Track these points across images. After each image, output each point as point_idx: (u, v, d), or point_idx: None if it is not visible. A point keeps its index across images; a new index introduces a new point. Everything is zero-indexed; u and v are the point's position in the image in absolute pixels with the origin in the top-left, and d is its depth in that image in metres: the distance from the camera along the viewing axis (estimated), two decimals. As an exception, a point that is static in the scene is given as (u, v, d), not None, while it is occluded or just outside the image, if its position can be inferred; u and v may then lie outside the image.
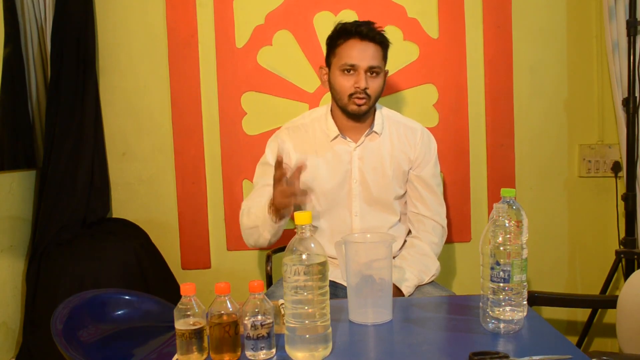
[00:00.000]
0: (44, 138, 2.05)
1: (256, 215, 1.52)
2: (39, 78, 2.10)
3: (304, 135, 1.67)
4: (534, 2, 2.18)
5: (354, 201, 1.64)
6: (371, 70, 1.55)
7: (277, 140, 1.68)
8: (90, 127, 2.09)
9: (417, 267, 1.57)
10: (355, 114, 1.59)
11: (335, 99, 1.61)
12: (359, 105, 1.56)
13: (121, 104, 2.21)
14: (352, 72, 1.55)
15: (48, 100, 2.04)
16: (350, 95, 1.56)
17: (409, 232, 1.72)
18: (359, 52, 1.54)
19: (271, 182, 1.40)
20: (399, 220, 1.70)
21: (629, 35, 1.97)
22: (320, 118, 1.68)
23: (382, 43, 1.58)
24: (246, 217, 1.57)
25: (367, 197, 1.65)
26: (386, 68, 1.63)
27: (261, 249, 2.07)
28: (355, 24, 1.56)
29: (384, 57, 1.60)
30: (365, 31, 1.54)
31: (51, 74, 2.02)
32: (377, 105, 1.68)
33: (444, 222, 1.69)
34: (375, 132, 1.64)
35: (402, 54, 2.15)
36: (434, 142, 1.71)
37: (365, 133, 1.64)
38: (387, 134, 1.66)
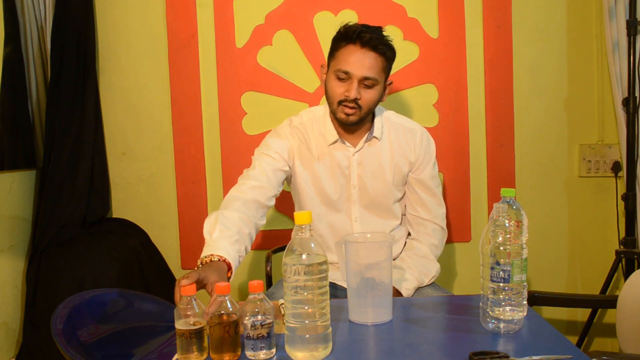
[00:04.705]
0: (44, 138, 2.05)
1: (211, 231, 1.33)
2: (39, 78, 2.10)
3: (304, 137, 1.61)
4: (534, 2, 2.18)
5: (353, 207, 1.62)
6: (366, 81, 1.47)
7: (283, 136, 1.60)
8: (90, 127, 2.09)
9: (416, 269, 1.55)
10: (343, 123, 1.53)
11: (327, 102, 1.56)
12: (347, 115, 1.49)
13: (121, 104, 2.21)
14: (345, 79, 1.47)
15: (48, 100, 2.04)
16: (340, 102, 1.49)
17: (409, 233, 1.70)
18: (356, 60, 1.45)
19: (268, 166, 1.45)
20: (400, 223, 1.68)
21: (629, 35, 1.97)
22: (319, 119, 1.62)
23: (385, 54, 1.48)
24: (213, 218, 1.37)
25: (366, 202, 1.61)
26: (389, 80, 1.56)
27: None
28: (360, 29, 1.46)
29: (385, 69, 1.51)
30: (367, 38, 1.44)
31: (51, 74, 2.02)
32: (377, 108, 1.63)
33: (444, 224, 1.67)
34: (375, 137, 1.59)
35: (402, 54, 2.13)
36: (433, 144, 1.66)
37: (365, 138, 1.58)
38: (387, 138, 1.61)
